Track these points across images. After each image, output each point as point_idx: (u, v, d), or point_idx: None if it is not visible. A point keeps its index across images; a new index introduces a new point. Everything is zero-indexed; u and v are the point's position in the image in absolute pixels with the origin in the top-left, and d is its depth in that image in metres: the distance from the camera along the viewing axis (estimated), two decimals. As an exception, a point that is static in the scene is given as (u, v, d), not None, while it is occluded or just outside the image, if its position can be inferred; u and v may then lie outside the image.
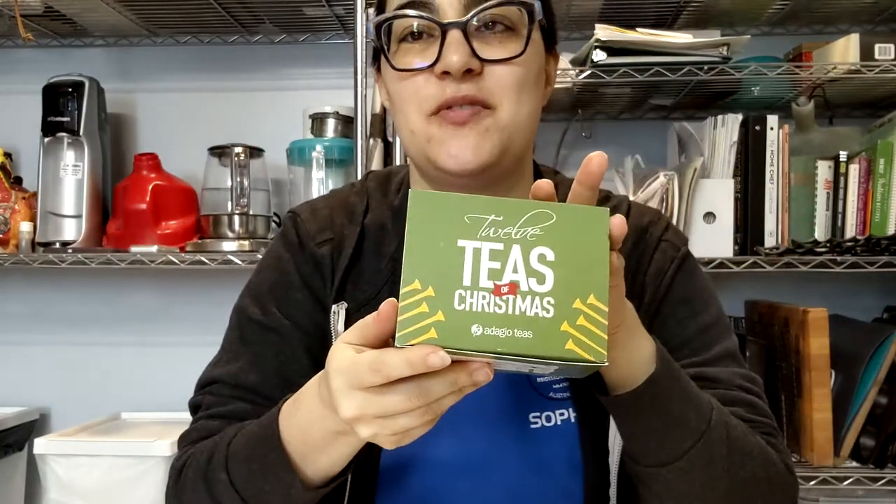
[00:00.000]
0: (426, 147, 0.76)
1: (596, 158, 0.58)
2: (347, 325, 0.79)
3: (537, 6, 0.75)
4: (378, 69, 0.85)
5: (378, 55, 0.83)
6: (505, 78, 0.74)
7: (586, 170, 0.58)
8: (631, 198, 1.02)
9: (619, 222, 0.56)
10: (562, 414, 0.80)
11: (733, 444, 0.70)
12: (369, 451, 0.78)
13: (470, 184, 0.77)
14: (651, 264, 0.82)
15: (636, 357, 0.66)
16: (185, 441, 0.82)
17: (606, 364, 0.53)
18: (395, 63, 0.76)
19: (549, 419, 0.80)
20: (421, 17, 0.74)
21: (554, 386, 0.81)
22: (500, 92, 0.74)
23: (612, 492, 0.80)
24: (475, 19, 0.73)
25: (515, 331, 0.53)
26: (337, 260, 0.82)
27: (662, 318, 0.81)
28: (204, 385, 0.83)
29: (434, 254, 0.54)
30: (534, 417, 0.80)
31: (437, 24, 0.73)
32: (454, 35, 0.72)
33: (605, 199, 0.88)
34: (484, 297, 0.54)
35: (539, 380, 0.81)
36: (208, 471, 0.73)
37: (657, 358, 0.67)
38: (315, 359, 0.82)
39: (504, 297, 0.54)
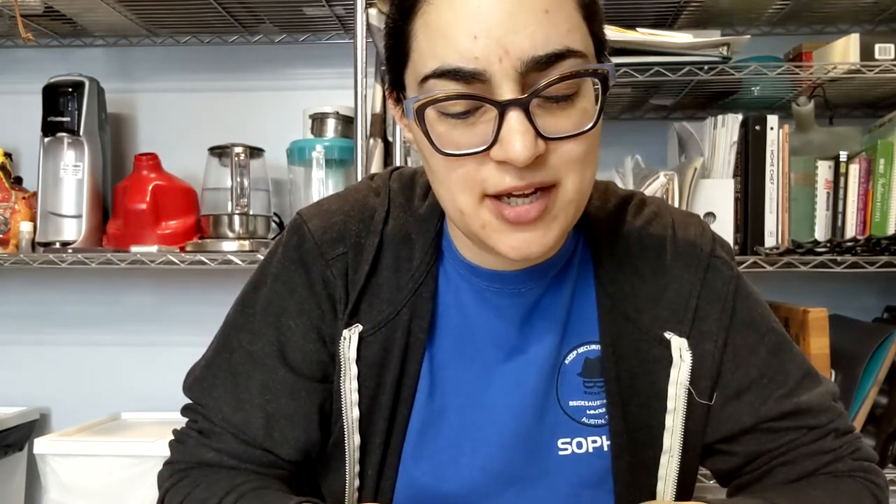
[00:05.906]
0: (480, 231, 0.65)
1: None
2: (360, 348, 0.73)
3: (611, 72, 0.63)
4: (394, 98, 0.70)
5: (391, 72, 0.68)
6: (572, 152, 0.63)
7: None
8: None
9: None
10: (594, 441, 0.74)
11: None
12: (379, 483, 0.75)
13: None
14: (705, 286, 0.76)
15: None
16: (178, 453, 0.78)
17: None
18: (438, 143, 0.62)
19: (580, 445, 0.74)
20: (475, 97, 0.60)
21: (588, 411, 0.75)
22: (566, 167, 0.63)
23: None
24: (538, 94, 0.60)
25: None
26: (352, 277, 0.74)
27: (734, 349, 0.76)
28: (196, 400, 0.78)
29: None
30: (563, 443, 0.74)
31: (495, 105, 0.60)
32: (515, 117, 0.60)
33: (641, 203, 0.80)
34: None
35: (571, 403, 0.75)
36: None
37: None
38: (309, 392, 0.75)
39: None
